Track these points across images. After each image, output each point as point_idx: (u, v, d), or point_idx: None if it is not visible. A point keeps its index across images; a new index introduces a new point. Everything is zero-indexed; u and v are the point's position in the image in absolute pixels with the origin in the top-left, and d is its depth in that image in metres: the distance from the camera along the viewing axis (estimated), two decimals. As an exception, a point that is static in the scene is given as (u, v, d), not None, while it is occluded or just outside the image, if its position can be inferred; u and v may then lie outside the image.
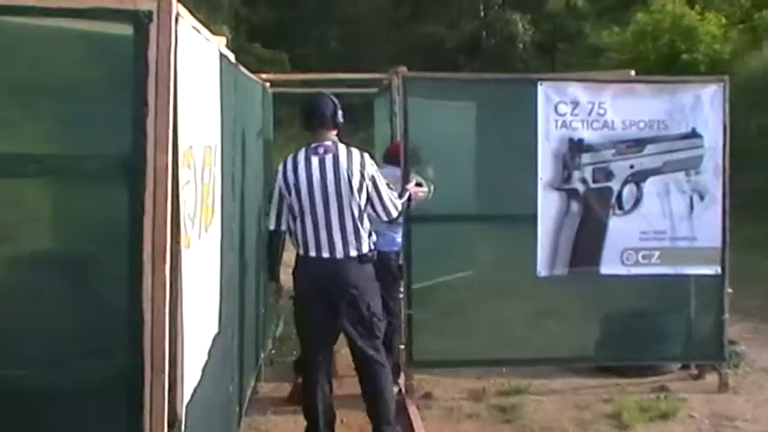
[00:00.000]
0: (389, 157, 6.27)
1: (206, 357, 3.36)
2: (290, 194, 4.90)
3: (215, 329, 3.66)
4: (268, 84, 7.76)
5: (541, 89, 6.27)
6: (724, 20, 18.53)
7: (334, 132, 5.04)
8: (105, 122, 2.58)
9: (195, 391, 3.06)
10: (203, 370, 3.28)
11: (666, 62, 17.71)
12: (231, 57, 4.38)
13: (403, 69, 6.32)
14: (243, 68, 5.10)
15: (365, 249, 4.90)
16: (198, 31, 3.12)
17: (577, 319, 6.61)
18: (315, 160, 4.87)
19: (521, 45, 22.08)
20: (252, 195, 5.58)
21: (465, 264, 6.72)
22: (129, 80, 2.54)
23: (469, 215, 6.51)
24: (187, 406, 2.85)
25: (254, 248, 5.68)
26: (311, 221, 4.84)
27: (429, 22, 23.02)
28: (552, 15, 22.74)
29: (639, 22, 19.68)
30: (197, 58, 3.07)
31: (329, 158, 4.87)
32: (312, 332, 5.00)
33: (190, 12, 2.87)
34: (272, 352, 7.48)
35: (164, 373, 2.43)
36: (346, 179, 4.83)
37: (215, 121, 3.58)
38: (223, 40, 3.93)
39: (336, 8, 24.25)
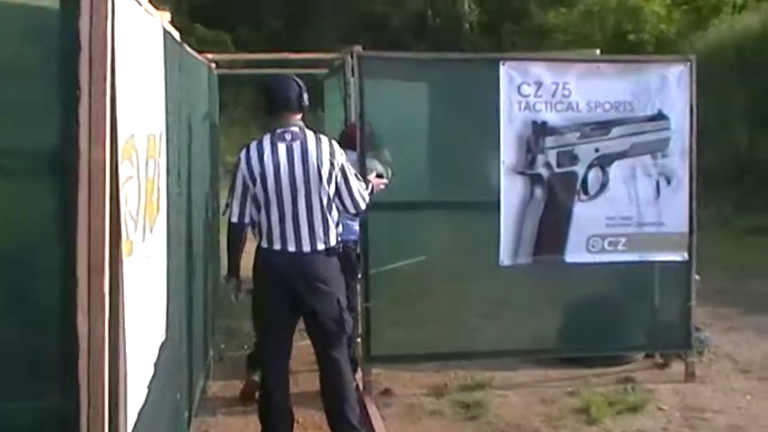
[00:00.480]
0: (346, 141, 5.89)
1: (152, 372, 2.96)
2: (254, 184, 4.53)
3: (161, 337, 3.26)
4: (213, 65, 7.33)
5: (504, 69, 5.93)
6: (668, 0, 18.46)
7: (300, 116, 4.67)
8: (28, 110, 2.16)
9: (140, 413, 2.66)
10: (149, 386, 2.88)
11: (613, 43, 17.54)
12: (176, 35, 3.95)
13: (358, 48, 5.93)
14: (188, 48, 4.66)
15: (333, 242, 4.60)
16: (138, 2, 2.69)
17: (540, 309, 6.32)
18: (281, 147, 4.52)
19: (467, 25, 21.77)
20: (199, 185, 5.18)
21: (424, 252, 6.37)
22: (57, 59, 2.12)
23: (428, 202, 6.16)
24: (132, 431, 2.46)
25: (202, 240, 5.28)
26: (277, 213, 4.51)
27: (374, 1, 22.57)
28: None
29: (586, 2, 19.53)
30: (137, 34, 2.65)
31: (297, 146, 4.53)
32: (273, 328, 4.67)
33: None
34: (222, 347, 7.09)
35: (103, 409, 2.03)
36: (315, 168, 4.50)
37: (159, 105, 3.16)
38: (167, 15, 3.49)
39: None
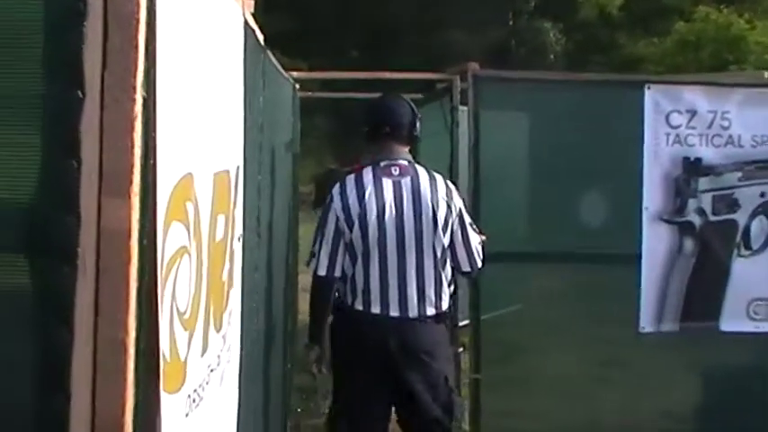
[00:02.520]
0: None
1: None
2: (350, 229, 3.59)
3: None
4: (297, 85, 6.32)
5: (649, 94, 4.77)
6: (773, 29, 17.06)
7: (407, 150, 3.78)
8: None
9: None
10: None
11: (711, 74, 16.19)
12: (259, 35, 2.91)
13: (474, 66, 4.83)
14: (271, 56, 3.63)
15: (444, 306, 3.68)
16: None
17: (689, 389, 5.09)
18: (387, 184, 3.61)
19: (551, 56, 20.59)
20: (281, 232, 4.14)
21: (542, 315, 5.18)
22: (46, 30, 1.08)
23: (554, 253, 4.99)
24: None
25: (281, 301, 4.23)
26: (378, 266, 3.57)
27: (455, 29, 21.54)
28: (585, 24, 21.24)
29: (680, 31, 18.21)
30: (201, 15, 1.60)
31: (407, 183, 3.62)
32: (361, 410, 3.66)
33: None
34: (299, 410, 6.05)
35: None
36: (429, 212, 3.59)
37: (235, 128, 2.11)
38: (250, 3, 2.45)
39: (356, 15, 22.80)
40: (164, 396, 1.25)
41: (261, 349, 3.88)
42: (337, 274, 3.61)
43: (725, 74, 9.05)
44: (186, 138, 1.36)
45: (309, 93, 7.42)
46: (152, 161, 1.12)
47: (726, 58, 16.56)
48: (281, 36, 22.09)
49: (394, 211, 3.56)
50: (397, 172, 3.64)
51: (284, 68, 4.72)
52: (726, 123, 4.78)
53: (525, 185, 5.20)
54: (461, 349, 5.19)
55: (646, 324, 4.82)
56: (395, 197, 3.57)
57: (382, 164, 3.65)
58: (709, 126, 4.78)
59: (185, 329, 1.37)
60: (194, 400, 1.48)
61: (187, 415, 1.44)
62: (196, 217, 1.44)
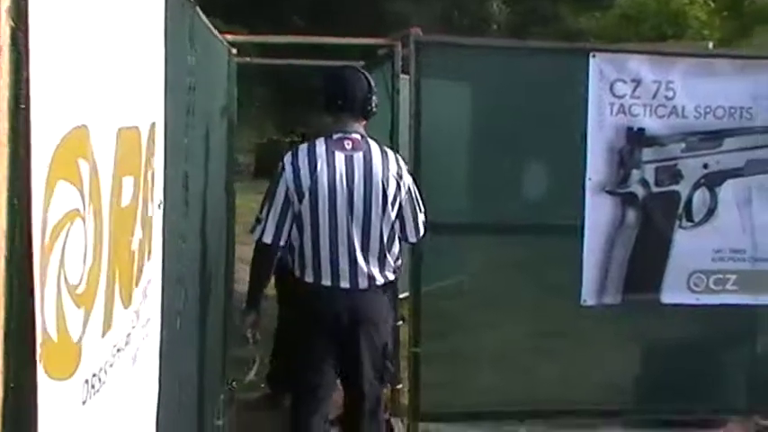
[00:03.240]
0: None
1: None
2: (300, 200, 3.60)
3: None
4: (235, 50, 6.07)
5: (594, 63, 4.65)
6: (712, 4, 17.13)
7: (363, 124, 3.77)
8: None
9: None
10: None
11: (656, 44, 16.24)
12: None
13: (417, 31, 4.65)
14: (203, 16, 3.41)
15: (391, 277, 3.76)
16: None
17: (626, 360, 5.03)
18: (339, 157, 3.63)
19: (494, 26, 20.46)
20: (215, 200, 3.95)
21: (484, 287, 5.06)
22: None
23: (495, 225, 4.86)
24: None
25: (216, 271, 4.04)
26: (328, 239, 3.61)
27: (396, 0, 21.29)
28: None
29: (622, 5, 18.23)
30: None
31: (359, 158, 3.64)
32: (315, 378, 3.75)
33: None
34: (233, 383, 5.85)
35: None
36: (379, 188, 3.63)
37: (152, 85, 1.90)
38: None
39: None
40: (46, 382, 1.07)
41: (192, 321, 3.71)
42: (282, 243, 3.61)
43: (669, 44, 9.01)
44: (78, 85, 1.16)
45: (248, 58, 7.17)
46: (24, 106, 0.93)
47: (665, 31, 16.61)
48: (222, 2, 21.64)
49: (345, 185, 3.56)
50: (350, 146, 3.63)
51: (221, 33, 4.52)
52: (670, 94, 4.69)
53: (467, 155, 5.09)
54: (401, 322, 5.07)
55: (588, 297, 4.73)
56: (346, 171, 3.57)
57: (335, 136, 3.64)
58: (654, 96, 4.68)
59: (79, 306, 1.18)
60: (93, 386, 1.30)
61: (84, 402, 1.26)
62: (93, 177, 1.25)
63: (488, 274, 4.98)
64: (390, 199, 3.63)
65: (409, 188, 3.74)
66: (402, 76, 5.13)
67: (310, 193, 3.56)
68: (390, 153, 3.77)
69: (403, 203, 3.70)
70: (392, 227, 3.67)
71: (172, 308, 2.71)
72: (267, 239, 3.60)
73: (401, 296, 4.94)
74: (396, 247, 3.74)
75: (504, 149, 4.80)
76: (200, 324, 3.89)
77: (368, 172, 3.60)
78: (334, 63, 6.73)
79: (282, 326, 5.30)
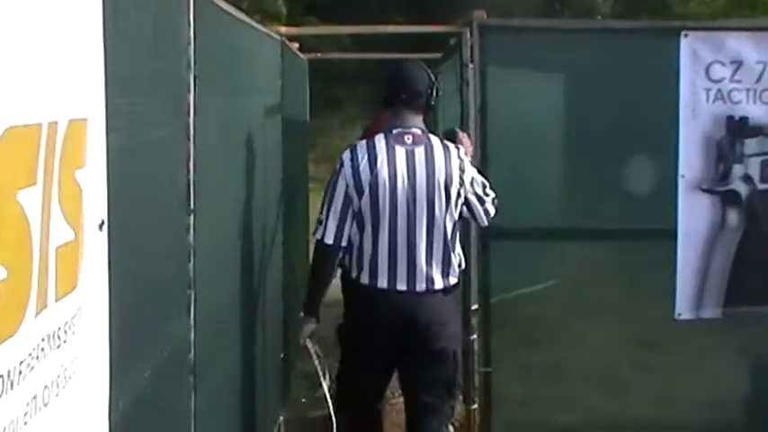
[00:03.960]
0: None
1: None
2: (360, 197, 3.40)
3: None
4: (296, 45, 5.71)
5: (686, 43, 4.05)
6: None
7: (422, 118, 3.56)
8: None
9: None
10: None
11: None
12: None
13: (480, 15, 4.15)
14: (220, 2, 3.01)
15: (453, 281, 3.49)
16: None
17: (737, 378, 4.39)
18: (400, 152, 3.42)
19: (599, 17, 19.55)
20: (262, 207, 3.66)
21: (565, 298, 4.50)
22: None
23: (573, 229, 4.31)
24: None
25: (271, 286, 3.75)
26: (387, 238, 3.40)
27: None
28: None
29: (733, -11, 17.14)
30: None
31: (420, 153, 3.43)
32: (367, 387, 3.59)
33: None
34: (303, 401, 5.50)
35: None
36: (442, 184, 3.40)
37: (65, 74, 1.49)
38: None
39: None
40: None
41: (234, 342, 3.38)
42: (344, 243, 3.44)
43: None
44: None
45: (318, 54, 6.81)
46: None
47: (783, 15, 15.48)
48: (320, 3, 21.52)
49: (406, 181, 3.37)
50: (411, 140, 3.44)
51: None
52: (777, 76, 4.04)
53: (541, 152, 4.53)
54: (474, 336, 4.60)
55: (682, 310, 4.14)
56: (407, 166, 3.38)
57: (395, 131, 3.46)
58: (758, 79, 4.06)
59: None
60: None
61: None
62: None
63: (568, 284, 4.42)
64: (454, 195, 3.42)
65: (473, 179, 3.51)
66: (471, 65, 4.65)
67: (370, 190, 3.37)
68: (452, 147, 3.52)
69: (468, 196, 3.49)
70: (455, 225, 3.46)
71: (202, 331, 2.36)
72: (328, 240, 3.42)
73: (473, 307, 4.46)
74: (458, 248, 3.50)
75: (584, 145, 4.27)
76: (245, 342, 3.56)
77: (430, 167, 3.39)
78: (419, 56, 6.34)
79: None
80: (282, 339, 4.76)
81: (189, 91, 2.56)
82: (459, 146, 3.61)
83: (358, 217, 3.42)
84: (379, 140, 3.45)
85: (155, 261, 2.24)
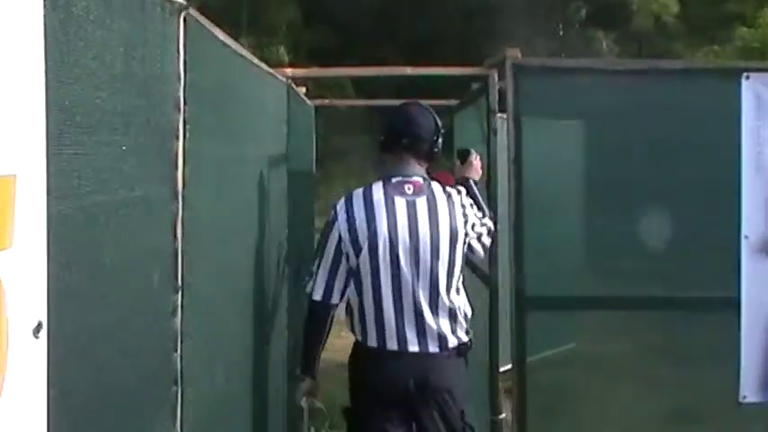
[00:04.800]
0: None
1: None
2: (357, 253, 3.11)
3: None
4: (303, 90, 5.22)
5: (748, 86, 3.55)
6: None
7: (425, 167, 3.26)
8: None
9: None
10: None
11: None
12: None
13: (513, 53, 3.64)
14: (220, 36, 2.49)
15: (465, 337, 3.21)
16: None
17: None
18: (400, 204, 3.13)
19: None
20: (266, 265, 3.14)
21: (605, 379, 3.92)
22: None
23: (619, 298, 3.76)
24: None
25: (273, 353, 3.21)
26: (392, 298, 3.10)
27: (501, 42, 20.28)
28: (639, 34, 19.76)
29: (743, 37, 16.75)
30: None
31: (422, 204, 3.14)
32: None
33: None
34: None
35: None
36: (447, 236, 3.13)
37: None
38: None
39: (401, 30, 21.71)
40: None
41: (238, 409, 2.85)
42: (335, 300, 3.16)
43: None
44: None
45: (326, 100, 6.31)
46: None
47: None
48: (324, 51, 21.20)
49: (407, 236, 3.08)
50: (411, 191, 3.15)
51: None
52: None
53: (582, 210, 3.99)
54: (503, 415, 4.05)
55: (749, 392, 3.57)
56: (409, 219, 3.10)
57: (394, 180, 3.16)
58: (832, 128, 3.53)
59: None
60: None
61: None
62: None
63: (609, 360, 3.87)
64: (459, 247, 3.15)
65: (473, 224, 3.24)
66: (500, 115, 4.16)
67: (369, 247, 3.08)
68: (454, 194, 3.24)
69: (471, 241, 3.23)
70: (460, 275, 3.21)
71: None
72: (317, 296, 3.15)
73: (502, 369, 3.95)
74: (464, 298, 3.24)
75: (631, 200, 3.72)
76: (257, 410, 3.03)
77: (433, 220, 3.11)
78: (433, 103, 5.81)
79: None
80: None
81: (177, 137, 2.04)
82: (461, 189, 3.34)
83: (355, 276, 3.14)
84: (377, 190, 3.16)
85: (125, 359, 1.69)
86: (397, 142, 3.22)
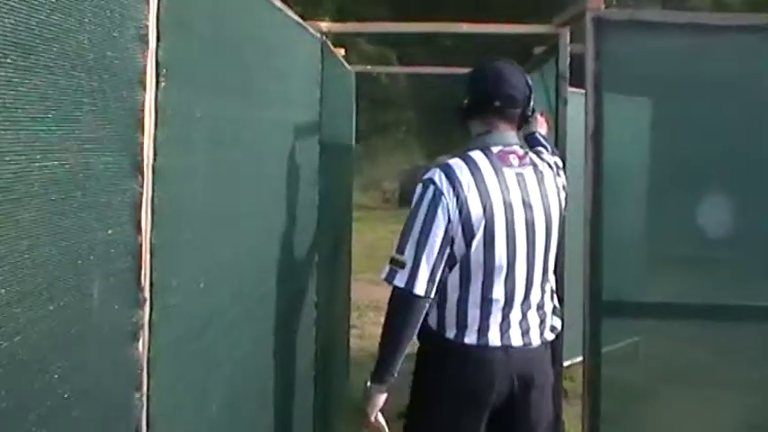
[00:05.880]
0: None
1: None
2: (469, 237, 2.53)
3: None
4: (342, 52, 4.59)
5: None
6: None
7: (516, 134, 2.71)
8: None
9: None
10: None
11: None
12: None
13: (596, 4, 2.93)
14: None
15: (559, 324, 2.77)
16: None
17: None
18: (510, 177, 2.60)
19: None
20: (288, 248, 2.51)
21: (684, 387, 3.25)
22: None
23: (716, 306, 3.08)
24: None
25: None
26: (502, 286, 2.58)
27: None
28: (694, 11, 18.65)
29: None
30: None
31: (530, 176, 2.63)
32: None
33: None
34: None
35: None
36: (557, 211, 2.66)
37: None
38: None
39: (450, 4, 20.90)
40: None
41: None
42: (433, 294, 2.57)
43: None
44: None
45: (368, 67, 5.66)
46: None
47: None
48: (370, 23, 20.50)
49: (523, 214, 2.58)
50: (517, 161, 2.63)
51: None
52: None
53: (665, 201, 3.29)
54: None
55: None
56: (522, 194, 2.59)
57: (494, 149, 2.63)
58: None
59: None
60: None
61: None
62: None
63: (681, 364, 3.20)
64: (561, 222, 2.69)
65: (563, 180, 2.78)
66: (570, 89, 3.51)
67: (485, 230, 2.54)
68: (552, 161, 2.77)
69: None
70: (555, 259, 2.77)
71: None
72: (419, 290, 2.51)
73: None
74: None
75: (723, 197, 3.03)
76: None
77: (544, 194, 2.63)
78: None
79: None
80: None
81: (143, 85, 1.41)
82: (556, 155, 2.92)
83: (463, 263, 2.58)
84: (482, 160, 2.60)
85: (54, 405, 1.08)
86: (487, 106, 2.67)
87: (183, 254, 1.63)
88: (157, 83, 1.45)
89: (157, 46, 1.44)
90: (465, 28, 3.81)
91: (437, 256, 2.53)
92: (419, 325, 2.58)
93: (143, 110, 1.41)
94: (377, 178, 20.69)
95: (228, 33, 1.96)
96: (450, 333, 2.62)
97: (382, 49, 19.15)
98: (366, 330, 7.47)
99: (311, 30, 3.29)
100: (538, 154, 2.77)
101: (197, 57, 1.69)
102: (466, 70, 2.86)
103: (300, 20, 3.05)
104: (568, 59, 3.52)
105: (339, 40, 4.50)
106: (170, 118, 1.51)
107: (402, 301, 2.56)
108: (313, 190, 3.35)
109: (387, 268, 2.54)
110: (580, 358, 3.19)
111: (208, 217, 1.80)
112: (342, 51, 4.62)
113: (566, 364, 3.81)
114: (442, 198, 2.53)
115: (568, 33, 3.51)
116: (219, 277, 1.93)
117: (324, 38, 3.58)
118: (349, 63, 5.20)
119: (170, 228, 1.53)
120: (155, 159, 1.45)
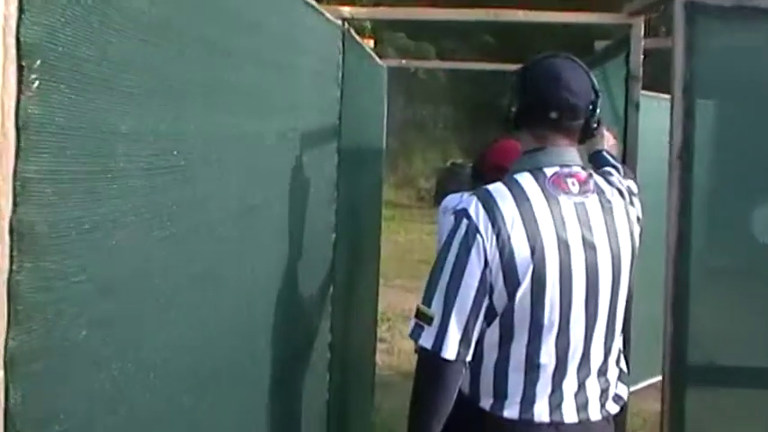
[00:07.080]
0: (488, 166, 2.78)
1: None
2: (513, 287, 1.95)
3: None
4: (371, 43, 3.99)
5: None
6: None
7: (576, 150, 2.08)
8: None
9: None
10: None
11: None
12: None
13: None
14: None
15: (625, 392, 2.17)
16: None
17: None
18: (568, 209, 1.99)
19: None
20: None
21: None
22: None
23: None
24: None
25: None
26: (554, 348, 2.01)
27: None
28: None
29: None
30: None
31: (593, 205, 2.03)
32: None
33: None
34: None
35: None
36: (629, 249, 2.06)
37: None
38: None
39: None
40: None
41: None
42: (469, 357, 2.04)
43: None
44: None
45: (402, 61, 5.04)
46: None
47: None
48: (408, 23, 19.93)
49: (583, 255, 2.00)
50: (577, 186, 2.05)
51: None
52: None
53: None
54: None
55: None
56: (582, 230, 2.01)
57: (548, 171, 2.05)
58: None
59: None
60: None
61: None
62: None
63: None
64: (632, 263, 2.11)
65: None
66: (643, 93, 2.89)
67: (534, 277, 1.97)
68: (625, 186, 2.16)
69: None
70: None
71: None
72: (449, 354, 1.99)
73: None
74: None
75: None
76: None
77: (611, 230, 2.06)
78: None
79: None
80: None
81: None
82: (630, 178, 2.34)
83: (505, 317, 2.03)
84: (530, 186, 2.03)
85: None
86: (540, 118, 2.10)
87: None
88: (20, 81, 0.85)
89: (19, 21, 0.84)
90: (521, 15, 3.18)
91: (471, 311, 1.99)
92: (455, 394, 2.03)
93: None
94: (412, 176, 20.12)
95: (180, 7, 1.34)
96: (486, 403, 2.10)
97: (422, 44, 18.55)
98: (396, 345, 6.83)
99: (329, 16, 2.68)
100: (605, 177, 2.16)
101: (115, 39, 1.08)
102: (510, 67, 2.26)
103: (315, 2, 2.44)
104: (641, 55, 2.89)
105: (378, 36, 3.97)
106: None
107: (430, 367, 2.02)
108: (329, 210, 2.75)
109: (412, 322, 2.02)
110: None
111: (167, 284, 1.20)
112: (371, 42, 4.00)
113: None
114: (478, 236, 1.97)
115: (642, 24, 2.88)
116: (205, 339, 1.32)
117: (346, 26, 2.96)
118: (385, 57, 4.59)
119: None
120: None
